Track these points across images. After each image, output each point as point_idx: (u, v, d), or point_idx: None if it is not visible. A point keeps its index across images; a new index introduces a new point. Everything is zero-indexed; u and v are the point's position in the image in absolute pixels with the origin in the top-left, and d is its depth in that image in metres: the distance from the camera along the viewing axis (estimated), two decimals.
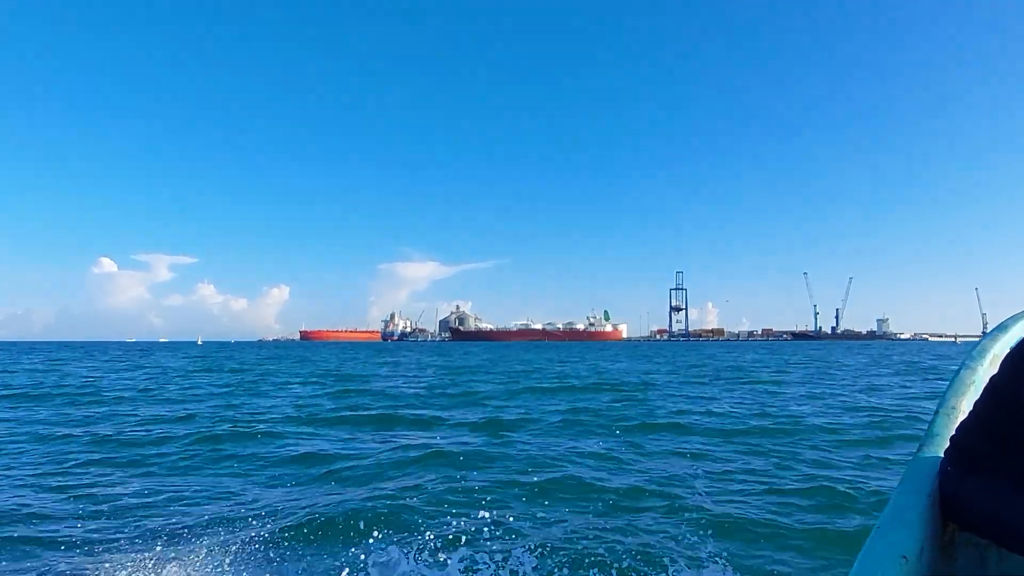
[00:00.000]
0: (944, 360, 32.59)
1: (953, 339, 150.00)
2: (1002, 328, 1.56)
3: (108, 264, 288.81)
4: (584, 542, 4.29)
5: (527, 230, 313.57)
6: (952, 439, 1.15)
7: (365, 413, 11.81)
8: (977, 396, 1.14)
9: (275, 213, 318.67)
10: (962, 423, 1.15)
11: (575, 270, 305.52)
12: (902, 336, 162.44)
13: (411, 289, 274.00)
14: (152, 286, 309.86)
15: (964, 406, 1.29)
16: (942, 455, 1.17)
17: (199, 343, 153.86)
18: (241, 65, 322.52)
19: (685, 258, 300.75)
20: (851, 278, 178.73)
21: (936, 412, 1.31)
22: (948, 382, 1.40)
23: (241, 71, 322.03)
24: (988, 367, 1.40)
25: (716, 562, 3.87)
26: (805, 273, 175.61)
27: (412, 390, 16.67)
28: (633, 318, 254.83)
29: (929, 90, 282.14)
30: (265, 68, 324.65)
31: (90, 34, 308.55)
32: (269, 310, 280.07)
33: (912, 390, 15.28)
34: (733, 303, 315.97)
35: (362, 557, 3.86)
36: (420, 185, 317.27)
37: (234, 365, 32.55)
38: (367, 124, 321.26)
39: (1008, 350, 1.09)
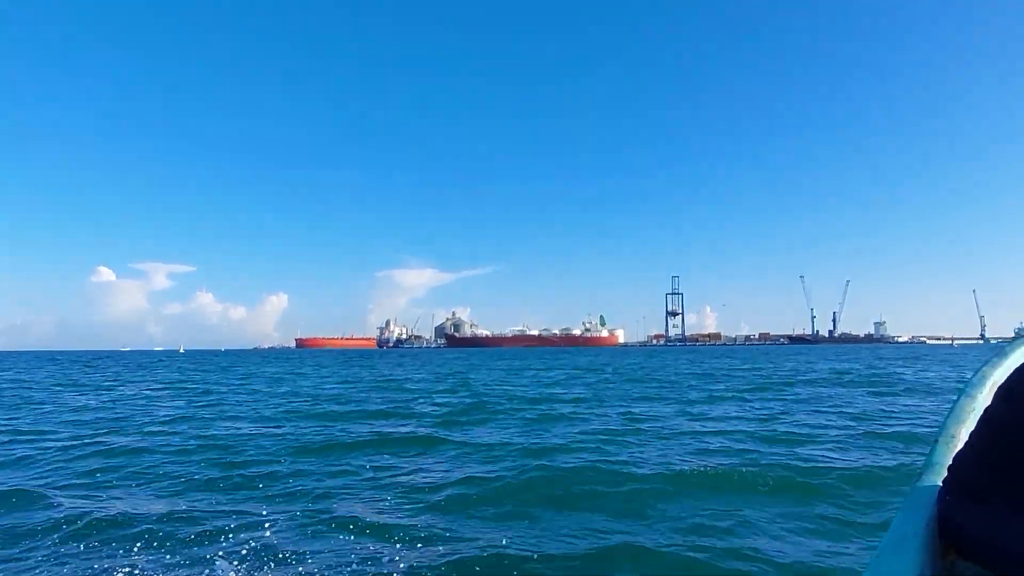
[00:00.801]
0: (912, 364, 31.50)
1: (950, 342, 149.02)
2: (1001, 355, 1.49)
3: (106, 273, 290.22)
4: None
5: (526, 234, 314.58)
6: (950, 468, 1.15)
7: None
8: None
9: (274, 220, 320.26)
10: (959, 452, 1.15)
11: (574, 273, 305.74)
12: (900, 339, 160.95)
13: (410, 296, 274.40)
14: (150, 295, 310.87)
15: (963, 434, 1.26)
16: (941, 483, 1.16)
17: (181, 351, 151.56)
18: (239, 70, 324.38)
19: (684, 259, 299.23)
20: (848, 281, 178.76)
21: (936, 440, 1.29)
22: (948, 410, 1.37)
23: (239, 76, 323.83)
24: (987, 395, 1.35)
25: None
26: (802, 276, 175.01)
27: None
28: (631, 322, 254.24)
29: (929, 90, 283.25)
30: (264, 73, 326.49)
31: (88, 39, 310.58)
32: (268, 318, 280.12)
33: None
34: (731, 307, 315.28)
35: None
36: (419, 190, 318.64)
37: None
38: (365, 130, 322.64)
39: (1003, 380, 1.11)
